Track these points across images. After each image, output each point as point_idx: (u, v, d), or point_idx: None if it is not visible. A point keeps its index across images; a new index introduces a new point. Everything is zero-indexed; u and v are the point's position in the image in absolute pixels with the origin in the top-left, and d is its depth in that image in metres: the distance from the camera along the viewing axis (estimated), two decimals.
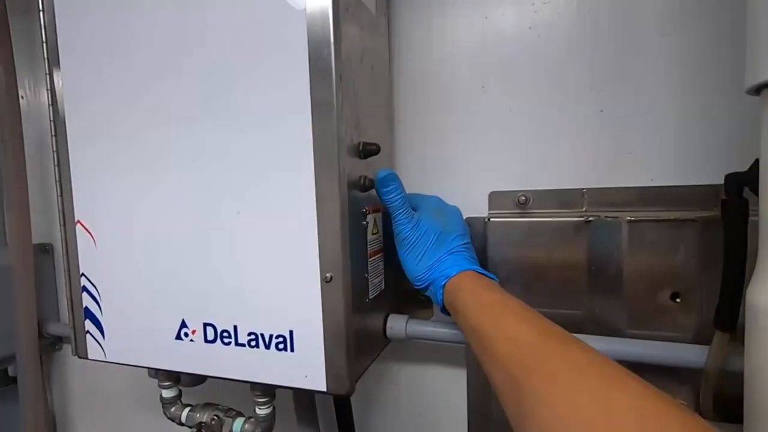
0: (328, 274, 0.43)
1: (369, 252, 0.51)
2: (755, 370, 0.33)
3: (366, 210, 0.49)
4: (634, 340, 0.48)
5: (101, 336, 0.55)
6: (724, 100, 0.49)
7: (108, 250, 0.53)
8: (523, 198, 0.55)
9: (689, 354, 0.45)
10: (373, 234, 0.52)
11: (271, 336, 0.46)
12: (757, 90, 0.32)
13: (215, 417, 0.53)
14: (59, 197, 0.55)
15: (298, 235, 0.44)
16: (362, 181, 0.47)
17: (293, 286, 0.44)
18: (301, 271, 0.44)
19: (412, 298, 0.62)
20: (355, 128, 0.46)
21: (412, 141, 0.62)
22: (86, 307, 0.55)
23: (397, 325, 0.55)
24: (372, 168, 0.50)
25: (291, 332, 0.45)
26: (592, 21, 0.53)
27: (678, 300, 0.48)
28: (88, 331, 0.55)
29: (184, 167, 0.48)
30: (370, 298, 0.51)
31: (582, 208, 0.53)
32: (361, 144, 0.47)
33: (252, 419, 0.53)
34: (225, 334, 0.48)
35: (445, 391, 0.64)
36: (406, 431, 0.67)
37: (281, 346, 0.46)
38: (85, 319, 0.55)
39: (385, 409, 0.68)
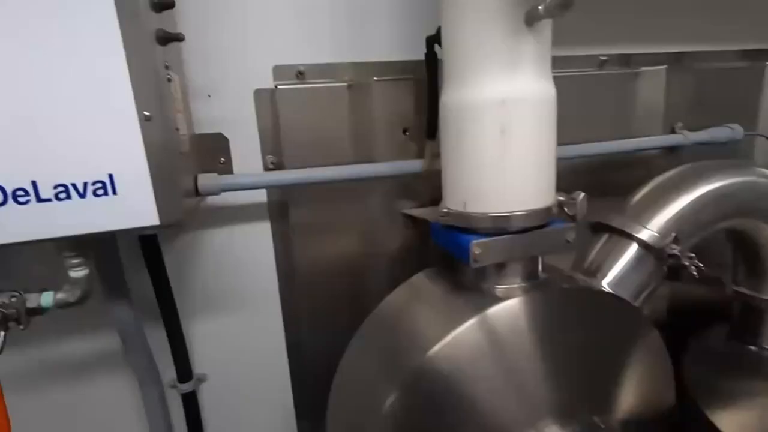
0: (146, 112, 0.46)
1: (175, 108, 0.54)
2: (446, 145, 0.57)
3: (168, 65, 0.52)
4: (378, 164, 0.71)
5: None
6: None
7: None
8: (301, 68, 0.68)
9: (414, 165, 0.71)
10: (176, 94, 0.55)
11: (85, 184, 0.46)
12: None
13: (15, 295, 0.48)
14: None
15: (105, 77, 0.44)
16: (160, 33, 0.50)
17: (108, 128, 0.45)
18: (115, 112, 0.45)
19: None
20: None
21: (201, 15, 0.65)
22: None
23: (208, 181, 0.61)
24: (165, 22, 0.52)
25: (111, 176, 0.46)
26: None
27: (407, 133, 0.73)
28: None
29: None
30: (182, 151, 0.55)
31: (345, 77, 0.71)
32: None
33: (66, 286, 0.51)
34: (19, 193, 0.44)
35: (253, 246, 0.75)
36: (220, 288, 0.75)
37: (100, 191, 0.46)
38: None
39: (198, 272, 0.74)
